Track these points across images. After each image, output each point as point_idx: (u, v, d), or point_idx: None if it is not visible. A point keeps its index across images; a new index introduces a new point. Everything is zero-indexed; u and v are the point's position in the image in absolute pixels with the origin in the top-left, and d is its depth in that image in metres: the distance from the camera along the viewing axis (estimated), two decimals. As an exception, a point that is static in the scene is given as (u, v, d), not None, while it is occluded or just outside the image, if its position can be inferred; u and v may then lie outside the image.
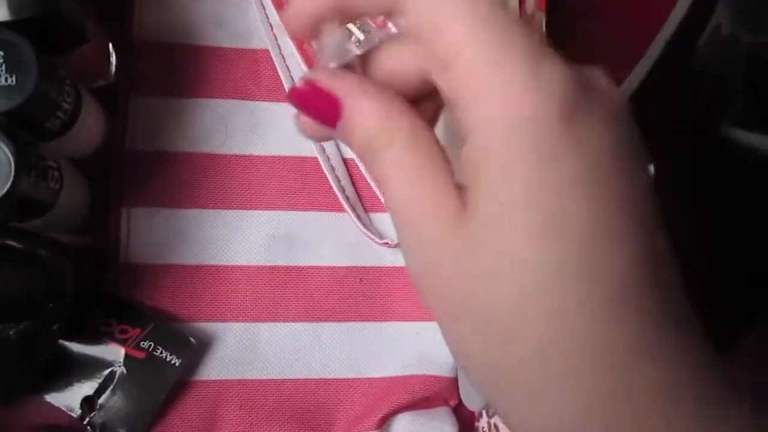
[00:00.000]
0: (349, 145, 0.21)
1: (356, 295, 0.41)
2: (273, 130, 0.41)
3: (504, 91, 0.18)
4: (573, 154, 0.18)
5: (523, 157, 0.18)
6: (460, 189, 0.19)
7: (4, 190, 0.28)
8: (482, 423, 0.40)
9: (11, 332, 0.32)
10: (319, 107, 0.21)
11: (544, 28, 0.36)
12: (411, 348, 0.40)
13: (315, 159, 0.41)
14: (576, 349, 0.18)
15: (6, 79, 0.28)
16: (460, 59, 0.18)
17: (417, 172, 0.20)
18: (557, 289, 0.18)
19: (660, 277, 0.18)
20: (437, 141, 0.20)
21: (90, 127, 0.35)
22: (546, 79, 0.18)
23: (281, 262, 0.40)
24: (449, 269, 0.19)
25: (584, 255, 0.18)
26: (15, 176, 0.28)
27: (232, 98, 0.40)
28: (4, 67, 0.28)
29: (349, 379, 0.40)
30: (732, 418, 0.18)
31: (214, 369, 0.39)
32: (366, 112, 0.20)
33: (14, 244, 0.33)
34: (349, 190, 0.41)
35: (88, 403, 0.37)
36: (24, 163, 0.29)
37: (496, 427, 0.38)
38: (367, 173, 0.41)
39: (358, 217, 0.40)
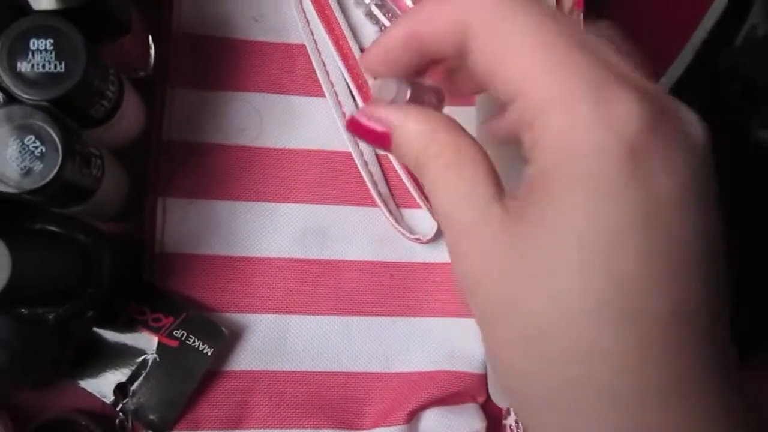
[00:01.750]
0: (402, 161, 0.23)
1: (386, 290, 0.41)
2: (307, 124, 0.41)
3: (573, 123, 0.18)
4: (634, 194, 0.18)
5: (584, 190, 0.18)
6: (504, 193, 0.21)
7: (51, 175, 0.29)
8: (510, 420, 0.40)
9: (51, 317, 0.33)
10: (373, 136, 0.23)
11: (581, 27, 0.36)
12: (440, 343, 0.40)
13: (348, 153, 0.41)
14: (601, 390, 0.18)
15: (56, 66, 0.29)
16: (528, 91, 0.19)
17: (463, 182, 0.21)
18: (591, 329, 0.18)
19: (695, 327, 0.18)
20: (482, 151, 0.21)
21: (130, 116, 0.35)
22: (616, 111, 0.18)
23: (313, 256, 0.40)
24: (498, 268, 0.20)
25: (623, 298, 0.18)
26: (62, 162, 0.29)
27: (268, 92, 0.41)
28: (53, 55, 0.29)
29: (377, 373, 0.40)
30: None
31: (245, 359, 0.39)
32: (413, 134, 0.22)
33: (55, 229, 0.33)
34: (382, 185, 0.41)
35: (121, 389, 0.37)
36: (70, 149, 0.29)
37: (524, 423, 0.38)
38: (400, 168, 0.41)
39: (390, 213, 0.40)
